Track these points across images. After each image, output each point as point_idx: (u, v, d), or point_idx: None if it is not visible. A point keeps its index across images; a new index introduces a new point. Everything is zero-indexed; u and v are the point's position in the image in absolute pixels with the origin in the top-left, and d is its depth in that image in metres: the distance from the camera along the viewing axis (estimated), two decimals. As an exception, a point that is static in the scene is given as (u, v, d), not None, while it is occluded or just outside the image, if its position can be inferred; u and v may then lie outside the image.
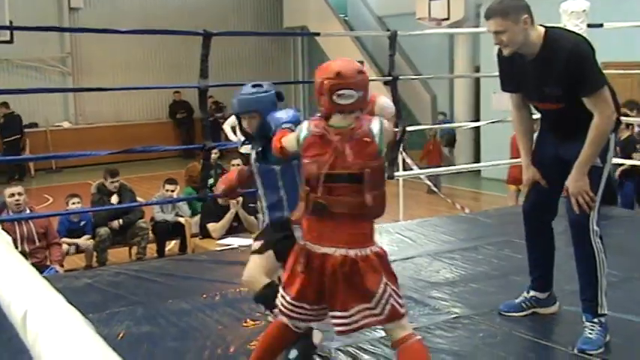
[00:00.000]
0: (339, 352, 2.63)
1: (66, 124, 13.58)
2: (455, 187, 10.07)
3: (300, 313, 2.14)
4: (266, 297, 2.46)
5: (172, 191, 6.58)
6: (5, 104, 11.95)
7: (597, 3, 5.07)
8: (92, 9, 13.58)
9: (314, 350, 2.54)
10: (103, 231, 6.16)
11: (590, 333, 2.66)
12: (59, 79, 13.37)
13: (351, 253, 2.03)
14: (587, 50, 2.56)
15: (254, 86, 2.56)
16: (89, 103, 13.71)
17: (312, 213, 2.06)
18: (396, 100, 4.58)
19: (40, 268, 5.08)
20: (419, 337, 2.14)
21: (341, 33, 13.13)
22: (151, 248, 6.54)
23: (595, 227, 2.65)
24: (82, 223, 6.18)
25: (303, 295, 2.10)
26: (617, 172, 6.31)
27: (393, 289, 2.06)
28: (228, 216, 5.73)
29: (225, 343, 2.79)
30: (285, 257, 2.42)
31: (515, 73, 2.74)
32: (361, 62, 12.96)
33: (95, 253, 6.18)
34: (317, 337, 2.54)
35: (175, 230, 6.52)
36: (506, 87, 2.86)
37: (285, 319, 2.18)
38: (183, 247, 6.50)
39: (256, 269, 2.53)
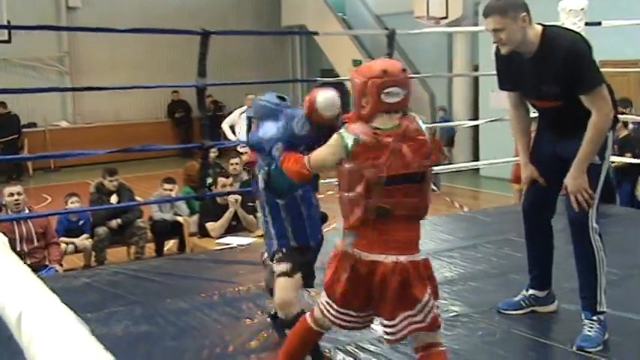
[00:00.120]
0: (338, 351, 2.63)
1: (64, 124, 13.57)
2: (454, 186, 10.08)
3: (347, 320, 2.12)
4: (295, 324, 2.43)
5: (171, 190, 6.57)
6: (3, 104, 11.93)
7: (595, 1, 5.06)
8: (90, 8, 13.57)
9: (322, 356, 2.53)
10: (101, 230, 6.16)
11: (589, 330, 2.66)
12: (57, 79, 13.36)
13: (402, 259, 2.00)
14: (584, 48, 2.57)
15: (279, 97, 2.51)
16: (87, 103, 13.70)
17: (376, 218, 2.01)
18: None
19: (39, 267, 5.08)
20: (444, 347, 2.13)
21: (339, 32, 13.12)
22: (150, 247, 6.53)
23: (594, 225, 2.66)
24: (81, 222, 6.17)
25: (348, 303, 2.08)
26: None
27: (435, 299, 2.06)
28: (227, 215, 5.72)
29: (224, 342, 2.79)
30: (308, 282, 2.50)
31: (513, 71, 2.74)
32: (359, 62, 12.96)
33: (94, 253, 6.17)
34: None
35: (174, 229, 6.51)
36: (503, 85, 2.86)
37: (329, 325, 2.16)
38: (181, 247, 6.50)
39: (291, 293, 2.46)
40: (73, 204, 6.07)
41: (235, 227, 5.78)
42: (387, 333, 2.07)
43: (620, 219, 4.73)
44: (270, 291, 2.79)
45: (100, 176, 6.52)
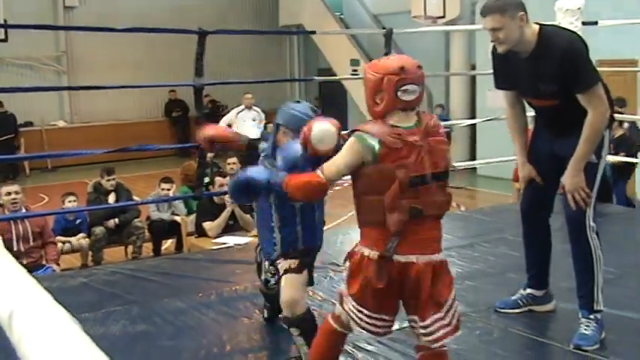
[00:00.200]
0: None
1: (61, 123, 13.54)
2: (450, 185, 10.07)
3: (379, 326, 2.07)
4: (304, 322, 2.41)
5: (168, 190, 6.57)
6: (-1, 103, 11.93)
7: (591, 1, 5.07)
8: (87, 7, 13.55)
9: None
10: (98, 230, 6.15)
11: (585, 329, 2.67)
12: (54, 78, 13.34)
13: (433, 258, 1.98)
14: (580, 48, 2.58)
15: (312, 109, 2.45)
16: (84, 102, 13.67)
17: (410, 219, 1.96)
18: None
19: (36, 267, 5.07)
20: (446, 347, 2.12)
21: (336, 31, 13.11)
22: (147, 247, 6.53)
23: (591, 223, 2.67)
24: (78, 221, 6.17)
25: (381, 307, 2.03)
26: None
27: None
28: (224, 214, 5.72)
29: (221, 341, 2.79)
30: (310, 280, 2.47)
31: (510, 70, 2.74)
32: (357, 61, 12.97)
33: (91, 253, 6.16)
34: None
35: (171, 229, 6.51)
36: (500, 84, 2.87)
37: (359, 331, 2.12)
38: (179, 246, 6.50)
39: (298, 291, 2.44)
40: (70, 203, 6.07)
41: (232, 227, 5.78)
42: (423, 334, 2.03)
43: (616, 218, 4.73)
44: (270, 296, 2.80)
45: (98, 176, 6.51)
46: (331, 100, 14.60)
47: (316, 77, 11.75)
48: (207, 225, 5.75)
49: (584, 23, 4.72)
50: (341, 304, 2.12)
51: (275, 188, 2.22)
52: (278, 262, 2.49)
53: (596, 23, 5.12)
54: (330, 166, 2.05)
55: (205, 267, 3.90)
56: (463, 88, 11.77)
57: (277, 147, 2.42)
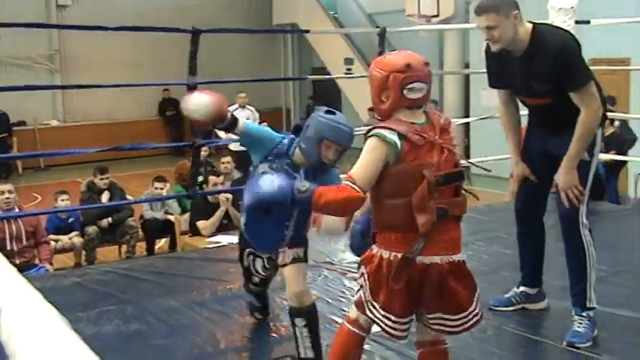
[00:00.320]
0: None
1: (54, 123, 13.49)
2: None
3: (403, 330, 2.01)
4: (310, 312, 2.41)
5: (162, 189, 6.55)
6: (-8, 102, 11.87)
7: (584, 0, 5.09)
8: (80, 6, 13.49)
9: None
10: (91, 229, 6.13)
11: (578, 326, 2.68)
12: (47, 77, 13.29)
13: (455, 258, 1.95)
14: (573, 47, 2.59)
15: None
16: (77, 101, 13.62)
17: (437, 219, 1.91)
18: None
19: (29, 266, 5.06)
20: (447, 345, 2.12)
21: (330, 30, 13.12)
22: (141, 246, 6.51)
23: (584, 221, 2.68)
24: (71, 220, 6.15)
25: (405, 310, 1.98)
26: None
27: None
28: (218, 214, 5.71)
29: (215, 340, 2.79)
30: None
31: (503, 69, 2.75)
32: (351, 60, 12.97)
33: (84, 252, 6.15)
34: None
35: (165, 228, 6.50)
36: (493, 83, 2.87)
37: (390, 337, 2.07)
38: (172, 245, 6.48)
39: (303, 282, 2.43)
40: (63, 201, 6.05)
41: (226, 226, 5.77)
42: (451, 327, 2.00)
43: (609, 216, 4.76)
44: (261, 295, 2.79)
45: (91, 175, 6.49)
46: (325, 99, 14.61)
47: (310, 76, 11.75)
48: (201, 224, 5.74)
49: (577, 22, 4.74)
50: (362, 312, 2.04)
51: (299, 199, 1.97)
52: (282, 250, 2.45)
53: (588, 22, 5.14)
54: (361, 176, 1.90)
55: (199, 266, 3.89)
56: (457, 86, 11.78)
57: (322, 162, 2.30)
